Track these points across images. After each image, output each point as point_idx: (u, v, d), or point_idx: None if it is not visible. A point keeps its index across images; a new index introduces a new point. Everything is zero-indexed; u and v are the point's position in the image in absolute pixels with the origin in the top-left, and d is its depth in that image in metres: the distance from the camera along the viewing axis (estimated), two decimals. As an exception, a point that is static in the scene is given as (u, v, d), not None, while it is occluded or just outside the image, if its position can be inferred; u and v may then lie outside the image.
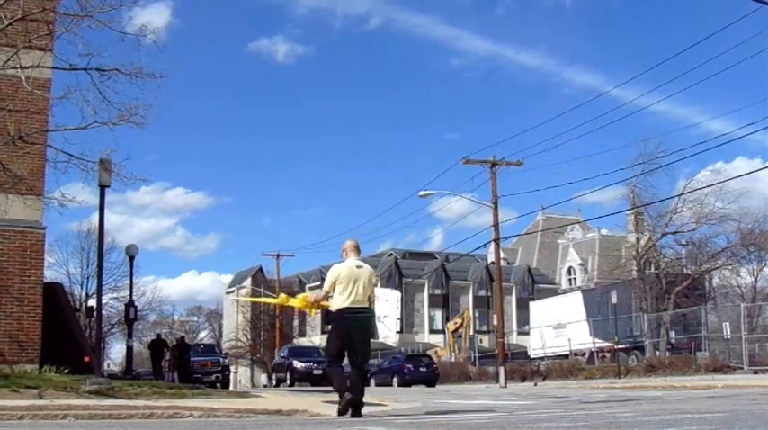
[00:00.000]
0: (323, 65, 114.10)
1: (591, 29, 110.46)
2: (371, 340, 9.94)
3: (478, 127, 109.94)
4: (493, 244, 33.30)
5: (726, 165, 79.03)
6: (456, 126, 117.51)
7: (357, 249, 9.57)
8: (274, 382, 37.65)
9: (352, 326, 9.10)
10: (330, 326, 9.68)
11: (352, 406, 9.06)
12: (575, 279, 75.58)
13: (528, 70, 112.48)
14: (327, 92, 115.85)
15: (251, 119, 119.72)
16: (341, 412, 9.24)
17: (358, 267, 9.26)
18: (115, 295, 49.86)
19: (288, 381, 34.68)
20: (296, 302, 10.99)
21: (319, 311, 10.86)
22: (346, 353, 9.35)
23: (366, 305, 9.31)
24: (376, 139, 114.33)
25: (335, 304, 9.19)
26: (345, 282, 9.11)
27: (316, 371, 32.18)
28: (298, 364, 34.12)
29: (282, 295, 12.68)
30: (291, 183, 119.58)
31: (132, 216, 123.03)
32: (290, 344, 50.56)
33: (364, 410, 9.38)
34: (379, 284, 67.33)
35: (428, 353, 47.31)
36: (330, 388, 10.98)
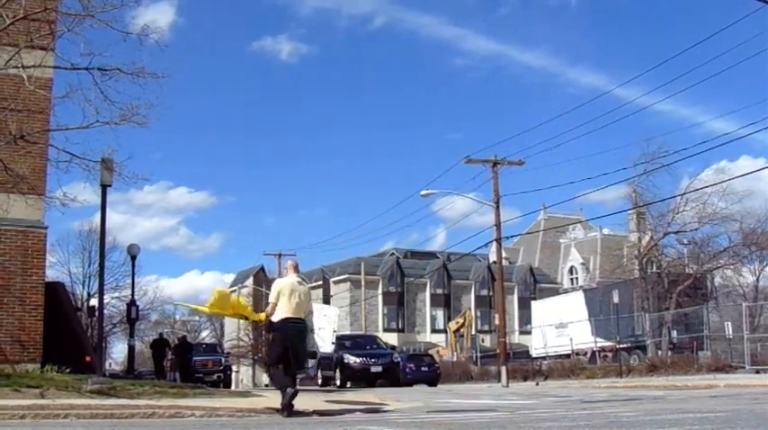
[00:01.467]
0: (326, 64, 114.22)
1: (595, 28, 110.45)
2: (307, 349, 11.27)
3: (480, 127, 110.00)
4: (495, 243, 33.23)
5: (730, 164, 78.87)
6: (458, 126, 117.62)
7: (297, 268, 10.88)
8: (320, 381, 29.55)
9: (293, 334, 10.25)
10: (272, 334, 10.67)
11: (291, 399, 9.88)
12: (576, 278, 75.52)
13: (531, 70, 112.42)
14: (330, 91, 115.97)
15: (254, 118, 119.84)
16: (286, 406, 9.87)
17: (299, 283, 10.53)
18: (117, 294, 49.88)
19: (338, 381, 27.48)
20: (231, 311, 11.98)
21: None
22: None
23: (302, 317, 10.43)
24: (378, 139, 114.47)
25: (278, 314, 10.26)
26: (288, 295, 10.25)
27: (374, 369, 27.05)
28: (350, 360, 27.42)
29: (208, 306, 12.99)
30: (294, 183, 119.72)
31: (135, 215, 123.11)
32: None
33: (368, 408, 9.50)
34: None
35: (430, 352, 47.27)
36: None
